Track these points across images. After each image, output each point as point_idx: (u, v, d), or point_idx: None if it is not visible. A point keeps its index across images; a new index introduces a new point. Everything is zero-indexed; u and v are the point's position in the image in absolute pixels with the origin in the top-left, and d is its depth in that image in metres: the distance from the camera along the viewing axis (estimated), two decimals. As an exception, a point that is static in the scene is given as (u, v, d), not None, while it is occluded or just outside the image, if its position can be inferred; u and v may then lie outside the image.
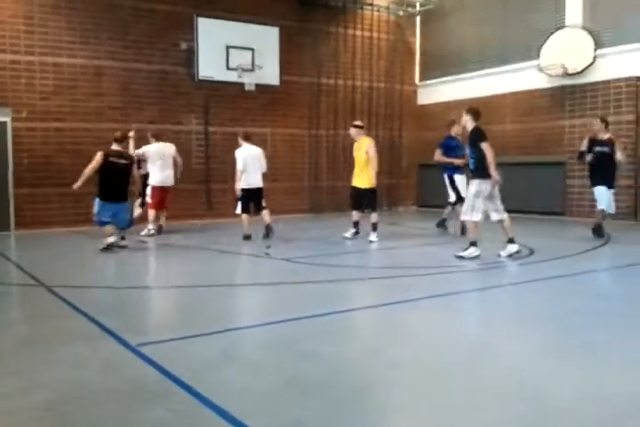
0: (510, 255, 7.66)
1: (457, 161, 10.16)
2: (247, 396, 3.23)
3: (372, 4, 15.48)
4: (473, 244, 7.67)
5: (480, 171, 7.63)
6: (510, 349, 4.09)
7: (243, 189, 9.70)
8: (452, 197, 10.34)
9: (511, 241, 7.71)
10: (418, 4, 16.23)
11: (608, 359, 3.80)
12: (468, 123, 7.90)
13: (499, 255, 7.67)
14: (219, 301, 5.83)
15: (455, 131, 10.31)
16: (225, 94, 13.44)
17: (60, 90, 11.79)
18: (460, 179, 10.17)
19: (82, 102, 12.00)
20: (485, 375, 3.53)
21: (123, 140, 9.26)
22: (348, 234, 9.82)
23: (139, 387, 3.38)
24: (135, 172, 9.25)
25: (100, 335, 4.39)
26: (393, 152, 15.92)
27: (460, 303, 5.48)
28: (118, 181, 8.80)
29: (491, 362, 3.78)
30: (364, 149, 9.56)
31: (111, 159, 8.73)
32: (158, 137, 10.66)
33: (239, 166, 9.65)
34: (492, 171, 7.53)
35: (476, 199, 7.62)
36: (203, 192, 13.30)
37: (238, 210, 9.84)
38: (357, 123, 10.12)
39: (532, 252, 8.17)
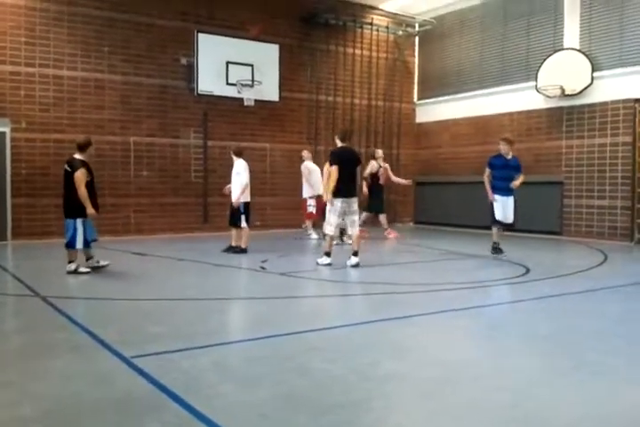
0: (353, 266, 8.34)
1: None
2: (240, 410, 3.20)
3: (371, 24, 15.62)
4: (327, 254, 8.47)
5: (334, 189, 8.37)
6: (504, 368, 4.05)
7: (246, 203, 9.75)
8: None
9: (355, 254, 8.39)
10: (417, 25, 16.39)
11: (604, 379, 3.77)
12: (336, 142, 8.74)
13: (348, 265, 8.39)
14: (214, 314, 5.80)
15: (504, 149, 9.51)
16: (224, 109, 13.51)
17: (60, 102, 11.83)
18: (500, 199, 9.36)
19: (82, 114, 12.04)
20: (478, 394, 3.50)
21: (84, 147, 7.80)
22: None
23: (131, 399, 3.34)
24: (79, 182, 7.50)
25: (94, 347, 4.35)
26: (391, 169, 15.93)
27: (455, 321, 5.45)
28: (65, 192, 7.74)
29: (484, 381, 3.74)
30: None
31: (64, 167, 7.81)
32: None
33: (246, 179, 9.69)
34: (325, 194, 8.57)
35: (330, 215, 8.46)
36: (200, 206, 13.30)
37: (244, 224, 9.69)
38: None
39: (527, 270, 8.17)
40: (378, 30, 15.80)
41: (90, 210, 7.56)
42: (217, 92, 13.08)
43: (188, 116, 13.22)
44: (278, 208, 14.43)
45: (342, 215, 8.47)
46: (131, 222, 12.45)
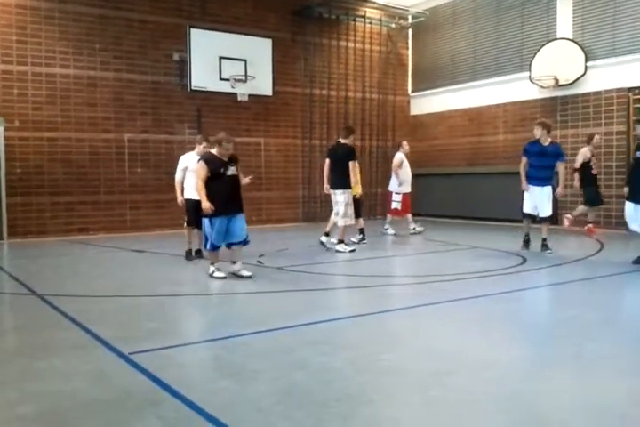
0: (338, 248, 9.23)
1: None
2: (239, 405, 3.20)
3: (364, 17, 15.58)
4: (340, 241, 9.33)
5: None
6: (502, 358, 4.06)
7: (190, 200, 8.32)
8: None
9: (327, 234, 9.65)
10: (410, 17, 16.35)
11: (602, 368, 3.79)
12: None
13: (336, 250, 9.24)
14: (212, 309, 5.80)
15: (538, 134, 8.71)
16: (218, 104, 13.48)
17: (53, 100, 11.78)
18: (531, 190, 8.80)
19: (74, 112, 12.00)
20: (476, 385, 3.50)
21: (214, 142, 7.14)
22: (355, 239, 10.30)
23: (130, 396, 3.34)
24: (196, 175, 7.13)
25: (92, 344, 4.35)
26: (386, 162, 15.95)
27: (452, 312, 5.45)
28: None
29: (482, 372, 3.75)
30: None
31: None
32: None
33: (179, 175, 8.56)
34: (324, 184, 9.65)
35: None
36: (195, 202, 13.28)
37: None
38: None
39: (524, 260, 8.18)
40: (371, 23, 15.76)
41: (205, 203, 6.80)
42: (210, 88, 13.05)
43: (181, 112, 13.19)
44: (273, 203, 14.44)
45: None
46: (126, 219, 12.44)
